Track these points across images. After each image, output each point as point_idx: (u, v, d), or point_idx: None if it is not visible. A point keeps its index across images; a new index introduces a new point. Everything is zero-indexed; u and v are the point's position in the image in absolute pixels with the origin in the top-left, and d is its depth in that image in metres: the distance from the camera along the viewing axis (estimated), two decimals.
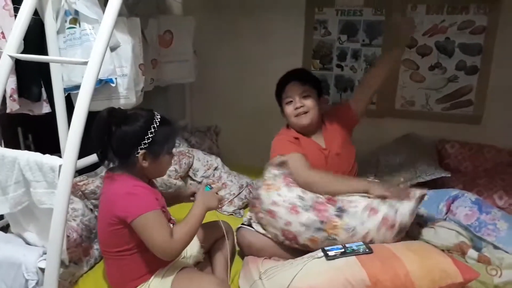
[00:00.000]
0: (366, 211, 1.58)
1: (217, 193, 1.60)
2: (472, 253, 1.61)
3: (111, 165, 1.47)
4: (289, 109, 1.97)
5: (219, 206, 1.61)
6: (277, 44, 2.79)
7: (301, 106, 1.93)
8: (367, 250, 1.48)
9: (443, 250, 1.59)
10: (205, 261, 1.73)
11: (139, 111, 1.49)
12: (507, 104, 2.50)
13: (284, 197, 1.65)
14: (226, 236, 1.69)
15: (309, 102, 1.94)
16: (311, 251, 1.59)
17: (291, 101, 1.96)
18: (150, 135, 1.42)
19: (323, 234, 1.58)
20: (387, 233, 1.56)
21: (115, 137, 1.40)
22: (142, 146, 1.42)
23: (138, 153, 1.41)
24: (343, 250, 1.50)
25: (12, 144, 2.07)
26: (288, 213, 1.62)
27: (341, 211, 1.60)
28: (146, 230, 1.37)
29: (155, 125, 1.44)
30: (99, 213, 1.52)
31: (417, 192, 1.61)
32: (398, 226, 1.56)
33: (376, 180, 1.89)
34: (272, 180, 1.73)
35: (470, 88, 2.54)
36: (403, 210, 1.57)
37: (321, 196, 1.66)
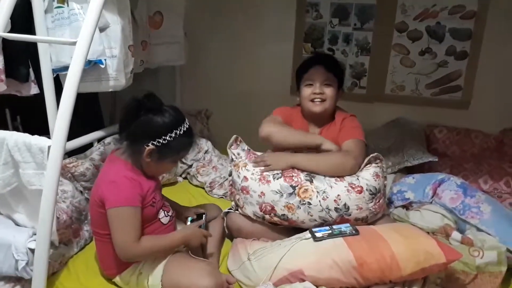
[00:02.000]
0: (332, 178, 1.66)
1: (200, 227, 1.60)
2: (455, 235, 1.65)
3: (120, 145, 1.47)
4: (306, 91, 1.86)
5: (202, 242, 1.59)
6: (268, 27, 2.77)
7: (320, 93, 1.82)
8: (353, 231, 1.51)
9: (428, 233, 1.63)
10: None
11: (174, 109, 1.45)
12: (494, 90, 2.53)
13: (252, 171, 1.71)
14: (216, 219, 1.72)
15: (329, 91, 1.83)
16: (296, 229, 1.63)
17: (311, 85, 1.85)
18: (168, 138, 1.40)
19: (296, 199, 1.62)
20: (359, 197, 1.62)
21: (138, 120, 1.40)
22: (154, 143, 1.40)
23: (147, 145, 1.40)
24: (330, 231, 1.53)
25: (0, 125, 2.06)
26: (260, 184, 1.67)
27: (310, 176, 1.66)
28: (115, 223, 1.37)
29: (178, 131, 1.41)
30: (91, 191, 1.53)
31: (370, 156, 1.71)
32: (367, 189, 1.62)
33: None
34: (237, 159, 1.79)
35: (459, 74, 2.57)
36: (364, 175, 1.66)
37: None
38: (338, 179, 1.66)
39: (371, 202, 1.65)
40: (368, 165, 1.71)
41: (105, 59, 1.80)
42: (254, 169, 1.71)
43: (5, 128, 2.22)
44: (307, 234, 1.55)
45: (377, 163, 1.71)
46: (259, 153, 1.83)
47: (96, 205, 1.42)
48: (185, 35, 2.58)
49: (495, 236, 1.63)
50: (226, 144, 2.60)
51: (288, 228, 1.71)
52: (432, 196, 1.90)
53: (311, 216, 1.63)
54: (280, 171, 1.68)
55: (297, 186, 1.64)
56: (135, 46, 1.98)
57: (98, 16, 1.34)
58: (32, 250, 1.40)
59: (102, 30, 1.80)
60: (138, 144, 1.42)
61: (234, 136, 1.85)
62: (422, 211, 1.83)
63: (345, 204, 1.62)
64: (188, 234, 1.52)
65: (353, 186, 1.63)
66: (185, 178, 2.52)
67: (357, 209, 1.63)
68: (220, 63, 2.93)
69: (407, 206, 1.92)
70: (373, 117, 2.71)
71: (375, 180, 1.66)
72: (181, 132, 1.42)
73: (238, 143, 1.85)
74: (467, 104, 2.60)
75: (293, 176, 1.67)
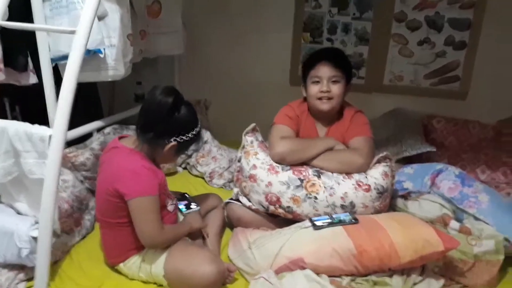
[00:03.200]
0: (341, 175, 1.66)
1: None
2: (454, 224, 1.67)
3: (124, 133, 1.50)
4: (313, 89, 1.78)
5: (203, 225, 1.68)
6: (267, 16, 2.76)
7: (327, 91, 1.75)
8: (353, 220, 1.53)
9: (426, 222, 1.64)
10: (197, 232, 1.75)
11: (190, 105, 1.52)
12: (492, 80, 2.54)
13: (262, 160, 1.71)
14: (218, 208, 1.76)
15: (336, 88, 1.76)
16: (298, 221, 1.63)
17: (318, 82, 1.77)
18: (190, 135, 1.48)
19: (303, 192, 1.63)
20: (366, 195, 1.62)
21: (171, 118, 1.43)
22: (177, 139, 1.46)
23: (170, 141, 1.45)
24: (330, 220, 1.55)
25: None
26: (268, 174, 1.67)
27: (318, 172, 1.67)
28: (140, 212, 1.39)
29: (198, 128, 1.51)
30: (99, 181, 1.53)
31: (379, 155, 1.70)
32: (374, 188, 1.62)
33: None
34: (249, 146, 1.79)
35: (458, 64, 2.57)
36: (373, 174, 1.66)
37: None
38: (346, 176, 1.65)
39: (377, 201, 1.64)
40: (377, 164, 1.70)
41: (104, 49, 1.79)
42: (264, 158, 1.71)
43: (4, 118, 2.21)
44: (306, 222, 1.57)
45: (386, 162, 1.70)
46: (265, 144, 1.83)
47: (110, 195, 1.42)
48: (183, 24, 2.57)
49: (493, 225, 1.64)
50: (225, 134, 2.61)
51: (287, 220, 1.71)
52: (431, 186, 1.92)
53: (316, 210, 1.63)
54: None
55: (305, 179, 1.64)
56: (133, 35, 1.97)
57: (97, 5, 1.33)
58: (35, 238, 1.41)
59: (100, 19, 1.78)
60: (160, 139, 1.45)
61: (253, 124, 1.84)
62: (420, 201, 1.84)
63: (351, 202, 1.62)
64: (191, 220, 1.62)
65: (361, 184, 1.63)
66: (185, 168, 2.52)
67: (362, 207, 1.63)
68: (219, 53, 2.92)
69: (405, 196, 1.94)
70: (371, 107, 2.70)
71: (384, 179, 1.65)
72: (199, 129, 1.52)
73: (255, 132, 1.85)
74: (465, 95, 2.61)
75: (301, 170, 1.67)
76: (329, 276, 1.44)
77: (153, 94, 1.45)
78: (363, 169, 1.67)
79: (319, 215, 1.64)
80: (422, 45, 2.59)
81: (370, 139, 1.77)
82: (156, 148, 1.47)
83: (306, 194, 1.63)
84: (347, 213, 1.58)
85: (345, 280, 1.44)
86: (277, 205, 1.67)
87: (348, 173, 1.66)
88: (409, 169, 2.04)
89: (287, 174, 1.66)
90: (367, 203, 1.63)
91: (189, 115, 1.47)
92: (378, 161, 1.70)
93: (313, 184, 1.63)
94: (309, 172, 1.66)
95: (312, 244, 1.47)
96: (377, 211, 1.66)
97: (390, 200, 1.77)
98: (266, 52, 2.83)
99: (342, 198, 1.62)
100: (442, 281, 1.48)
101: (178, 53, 2.65)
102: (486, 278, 1.51)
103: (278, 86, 2.83)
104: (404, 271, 1.46)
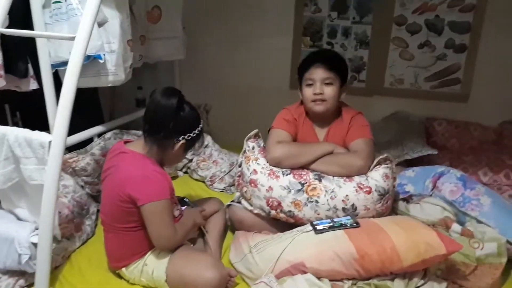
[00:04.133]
0: (341, 178, 1.65)
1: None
2: (455, 227, 1.66)
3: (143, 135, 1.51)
4: (307, 92, 1.79)
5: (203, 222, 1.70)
6: (267, 21, 2.77)
7: (320, 93, 1.75)
8: (354, 224, 1.52)
9: (428, 225, 1.63)
10: (199, 237, 1.75)
11: (191, 104, 1.55)
12: (493, 83, 2.54)
13: (263, 165, 1.71)
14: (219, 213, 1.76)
15: (329, 91, 1.75)
16: (300, 225, 1.63)
17: (311, 84, 1.78)
18: (196, 131, 1.53)
19: (304, 196, 1.62)
20: (367, 198, 1.61)
21: (177, 117, 1.46)
22: (185, 137, 1.49)
23: (178, 140, 1.49)
24: (331, 224, 1.54)
25: (0, 121, 2.05)
26: (269, 178, 1.67)
27: (319, 176, 1.66)
28: (155, 217, 1.40)
29: (202, 124, 1.57)
30: (107, 186, 1.52)
31: (379, 157, 1.68)
32: (375, 190, 1.61)
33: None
34: (250, 152, 1.79)
35: (458, 66, 2.57)
36: (374, 176, 1.64)
37: None
38: (347, 179, 1.65)
39: (379, 203, 1.63)
40: (378, 166, 1.69)
41: (104, 54, 1.80)
42: (264, 164, 1.71)
43: (5, 124, 2.22)
44: (308, 226, 1.56)
45: (386, 164, 1.68)
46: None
47: (121, 200, 1.42)
48: (183, 29, 2.58)
49: (495, 228, 1.63)
50: (225, 138, 2.61)
51: (289, 223, 1.70)
52: (432, 189, 1.91)
53: (318, 214, 1.62)
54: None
55: (305, 183, 1.64)
56: (133, 40, 1.97)
57: (97, 11, 1.34)
58: (35, 244, 1.41)
59: (100, 25, 1.79)
60: (170, 139, 1.48)
61: (256, 130, 1.84)
62: (422, 203, 1.83)
63: (353, 205, 1.61)
64: (193, 216, 1.63)
65: (362, 187, 1.62)
66: (186, 172, 2.52)
67: (364, 210, 1.62)
68: (219, 57, 2.93)
69: (407, 199, 1.93)
70: (372, 111, 2.70)
71: (384, 181, 1.64)
72: (202, 125, 1.57)
73: (257, 138, 1.84)
74: (466, 97, 2.60)
75: (302, 174, 1.66)
76: (331, 280, 1.43)
77: (155, 97, 1.46)
78: (363, 171, 1.67)
79: (321, 218, 1.63)
80: (422, 48, 2.59)
81: (370, 141, 1.76)
82: (166, 149, 1.50)
83: (307, 198, 1.62)
84: (349, 217, 1.58)
85: (347, 284, 1.43)
86: (278, 210, 1.67)
87: (349, 176, 1.66)
88: (410, 172, 2.03)
89: (287, 179, 1.65)
90: (369, 205, 1.62)
91: (193, 112, 1.52)
92: (379, 163, 1.69)
93: (314, 188, 1.63)
94: (310, 176, 1.66)
95: (313, 248, 1.46)
96: (379, 214, 1.66)
97: (392, 202, 1.76)
98: (266, 56, 2.83)
99: (343, 201, 1.61)
100: (444, 285, 1.47)
101: (178, 58, 2.66)
102: (488, 281, 1.50)
103: (278, 90, 2.83)
104: (406, 274, 1.45)
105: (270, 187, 1.66)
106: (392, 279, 1.43)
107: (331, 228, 1.52)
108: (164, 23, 2.44)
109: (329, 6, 2.67)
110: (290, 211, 1.65)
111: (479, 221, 1.70)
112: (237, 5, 2.79)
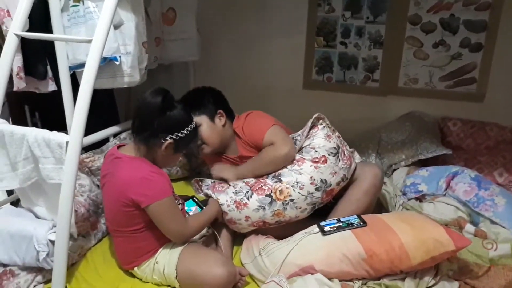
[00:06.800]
0: (294, 165, 1.67)
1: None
2: (469, 227, 1.65)
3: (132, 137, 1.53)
4: None
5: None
6: (281, 21, 2.77)
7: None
8: (361, 223, 1.52)
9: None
10: (210, 236, 1.77)
11: (184, 105, 1.56)
12: (510, 82, 2.49)
13: (225, 202, 1.68)
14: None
15: (201, 134, 1.78)
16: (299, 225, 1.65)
17: None
18: (185, 131, 1.51)
19: (278, 203, 1.63)
20: (328, 165, 1.64)
21: (162, 116, 1.46)
22: (173, 136, 1.48)
23: (165, 139, 1.48)
24: (338, 224, 1.54)
25: (20, 121, 2.12)
26: (239, 211, 1.66)
27: (276, 177, 1.67)
28: (163, 215, 1.43)
29: (192, 125, 1.54)
30: (107, 193, 1.55)
31: (310, 120, 1.71)
32: (329, 154, 1.65)
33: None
34: (206, 196, 1.77)
35: (474, 66, 2.53)
36: (318, 142, 1.67)
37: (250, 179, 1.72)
38: (300, 162, 1.66)
39: (339, 162, 1.66)
40: (315, 129, 1.70)
41: (119, 56, 1.83)
42: (227, 201, 1.68)
43: (25, 124, 2.28)
44: (315, 228, 1.57)
45: (321, 124, 1.70)
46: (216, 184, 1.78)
47: (123, 205, 1.44)
48: (198, 31, 2.60)
49: (509, 228, 1.62)
50: None
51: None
52: (446, 189, 1.90)
53: (300, 208, 1.65)
54: (248, 188, 1.68)
55: (271, 192, 1.64)
56: (148, 42, 2.01)
57: (113, 14, 1.37)
58: (53, 242, 1.44)
59: (116, 27, 1.83)
60: (157, 138, 1.48)
61: (194, 179, 1.80)
62: (435, 203, 1.83)
63: (321, 180, 1.64)
64: (213, 209, 1.66)
65: (317, 160, 1.65)
66: (199, 173, 2.54)
67: (333, 177, 1.65)
68: (233, 58, 2.94)
69: (420, 199, 1.92)
70: (386, 111, 2.70)
71: (329, 141, 1.67)
72: (194, 126, 1.54)
73: (198, 185, 1.79)
74: (482, 97, 2.56)
75: (261, 186, 1.67)
76: (341, 281, 1.44)
77: (143, 96, 1.49)
78: (292, 154, 1.68)
79: (306, 209, 1.66)
80: (437, 48, 2.56)
81: (274, 128, 1.76)
82: (153, 148, 1.49)
83: (283, 203, 1.64)
84: (355, 216, 1.58)
85: (357, 284, 1.43)
86: (267, 225, 1.69)
87: (284, 166, 1.67)
88: (424, 172, 2.02)
89: (254, 199, 1.65)
90: (333, 170, 1.65)
91: (182, 113, 1.51)
92: (314, 125, 1.70)
93: (281, 191, 1.64)
94: (269, 183, 1.67)
95: (322, 251, 1.47)
96: (347, 168, 1.69)
97: (348, 150, 1.77)
98: (280, 56, 2.84)
99: (311, 183, 1.63)
100: (456, 285, 1.46)
101: (193, 59, 2.69)
102: (501, 283, 1.48)
103: (291, 90, 2.84)
104: (417, 274, 1.44)
105: (246, 216, 1.67)
106: (403, 279, 1.43)
107: (338, 229, 1.52)
108: (178, 25, 2.47)
109: (342, 6, 2.66)
110: (277, 221, 1.67)
111: (493, 222, 1.69)
112: (250, 6, 2.81)
